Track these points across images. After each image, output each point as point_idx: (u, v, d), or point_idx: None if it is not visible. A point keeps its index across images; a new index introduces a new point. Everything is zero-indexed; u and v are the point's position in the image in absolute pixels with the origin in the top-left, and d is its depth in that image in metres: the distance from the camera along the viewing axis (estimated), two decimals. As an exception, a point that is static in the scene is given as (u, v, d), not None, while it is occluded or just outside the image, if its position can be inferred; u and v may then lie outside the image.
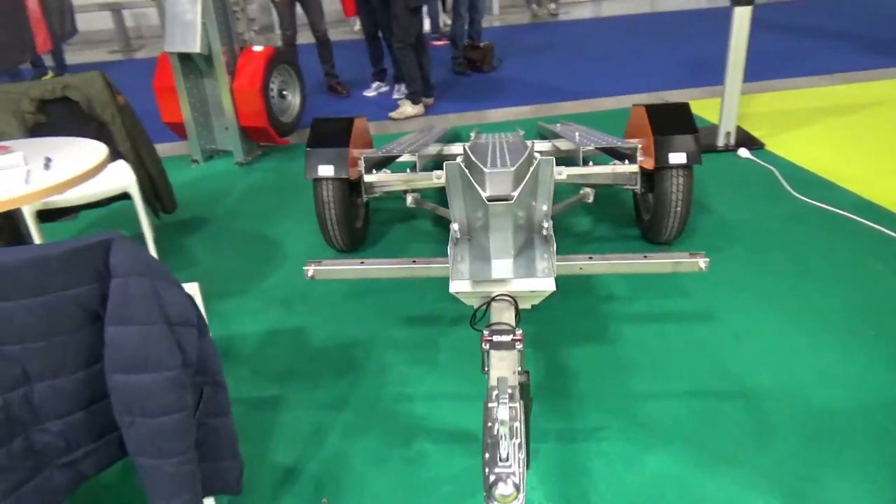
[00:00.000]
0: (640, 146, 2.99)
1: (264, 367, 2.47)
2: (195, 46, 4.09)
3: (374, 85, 6.19)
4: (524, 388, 1.56)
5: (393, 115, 5.43)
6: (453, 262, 1.79)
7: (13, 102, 3.01)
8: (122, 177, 3.00)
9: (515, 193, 1.68)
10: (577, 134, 3.29)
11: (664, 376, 2.27)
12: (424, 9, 5.83)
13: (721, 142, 4.29)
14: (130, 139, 3.26)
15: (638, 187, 3.08)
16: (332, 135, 3.03)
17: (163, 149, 4.92)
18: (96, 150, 2.33)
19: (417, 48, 5.45)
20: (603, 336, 2.50)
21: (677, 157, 2.83)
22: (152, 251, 3.10)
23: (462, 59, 6.83)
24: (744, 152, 4.15)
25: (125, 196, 3.03)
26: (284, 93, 4.67)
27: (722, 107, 4.24)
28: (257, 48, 4.40)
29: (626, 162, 3.03)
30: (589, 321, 2.60)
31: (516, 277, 1.74)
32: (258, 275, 3.13)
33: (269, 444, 2.09)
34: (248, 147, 4.61)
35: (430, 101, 5.80)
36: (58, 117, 3.13)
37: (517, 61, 7.28)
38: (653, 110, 3.01)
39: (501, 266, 1.76)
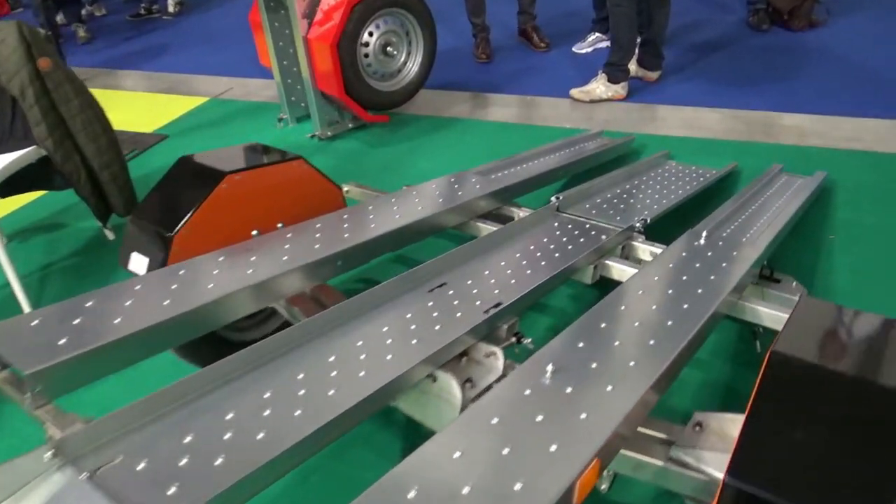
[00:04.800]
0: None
1: None
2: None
3: (591, 38, 4.29)
4: None
5: (575, 93, 3.63)
6: None
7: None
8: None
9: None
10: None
11: None
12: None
13: None
14: (51, 119, 2.39)
15: None
16: (175, 199, 1.73)
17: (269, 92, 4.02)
18: None
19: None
20: None
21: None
22: (11, 277, 2.28)
23: (762, 6, 4.38)
24: None
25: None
26: (390, 49, 3.29)
27: None
28: (352, -18, 3.07)
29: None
30: None
31: None
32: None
33: None
34: (331, 117, 3.43)
35: (652, 75, 3.77)
36: (-33, 80, 2.39)
37: (867, 17, 4.46)
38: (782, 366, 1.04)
39: None
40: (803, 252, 2.28)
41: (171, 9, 6.10)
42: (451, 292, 1.55)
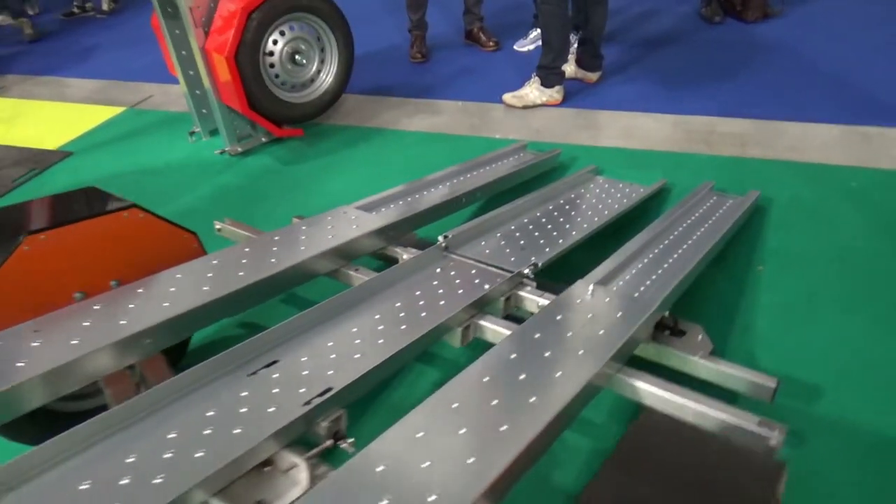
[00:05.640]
0: None
1: None
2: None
3: (532, 34, 4.04)
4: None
5: (507, 98, 3.39)
6: None
7: None
8: None
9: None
10: None
11: None
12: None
13: None
14: None
15: None
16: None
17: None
18: None
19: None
20: None
21: None
22: None
23: (713, -5, 4.14)
24: None
25: None
26: (298, 57, 3.03)
27: None
28: (250, -14, 2.80)
29: None
30: None
31: None
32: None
33: None
34: (242, 131, 3.18)
35: (592, 76, 3.54)
36: None
37: (825, 7, 4.22)
38: None
39: None
40: (726, 287, 2.07)
41: (104, 6, 5.79)
42: (276, 375, 1.33)
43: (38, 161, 3.36)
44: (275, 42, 2.93)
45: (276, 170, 3.04)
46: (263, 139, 3.22)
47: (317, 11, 2.97)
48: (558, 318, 1.46)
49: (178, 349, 1.86)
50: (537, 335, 1.39)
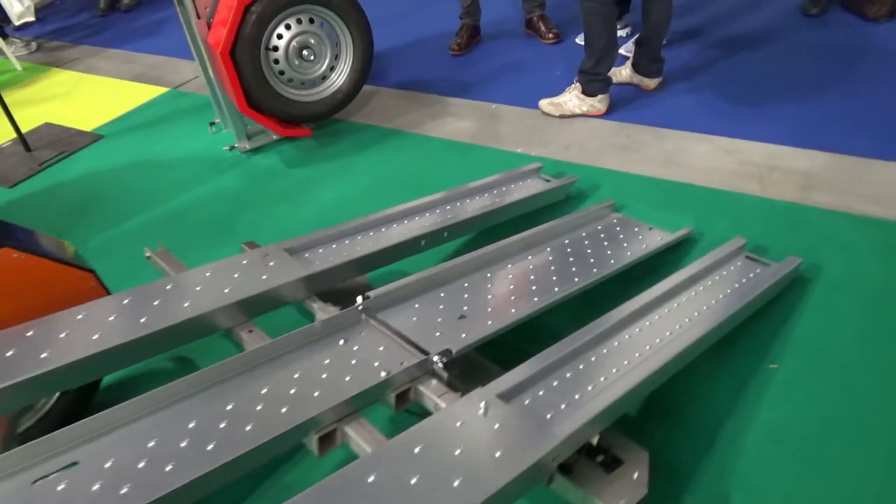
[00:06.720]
0: None
1: None
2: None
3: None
4: None
5: (544, 105, 2.98)
6: None
7: None
8: None
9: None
10: None
11: None
12: None
13: None
14: None
15: None
16: None
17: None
18: None
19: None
20: None
21: None
22: None
23: (825, -14, 3.43)
24: None
25: None
26: (306, 53, 2.79)
27: None
28: (253, -25, 2.59)
29: None
30: None
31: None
32: None
33: None
34: (253, 127, 3.01)
35: (650, 83, 3.03)
36: None
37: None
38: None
39: None
40: (721, 387, 1.64)
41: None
42: (63, 485, 1.13)
43: (69, 143, 3.39)
44: (279, 36, 2.71)
45: (279, 172, 2.85)
46: (274, 137, 3.05)
47: (328, 4, 2.71)
48: (416, 450, 1.16)
49: (89, 388, 1.74)
50: (371, 478, 1.10)
